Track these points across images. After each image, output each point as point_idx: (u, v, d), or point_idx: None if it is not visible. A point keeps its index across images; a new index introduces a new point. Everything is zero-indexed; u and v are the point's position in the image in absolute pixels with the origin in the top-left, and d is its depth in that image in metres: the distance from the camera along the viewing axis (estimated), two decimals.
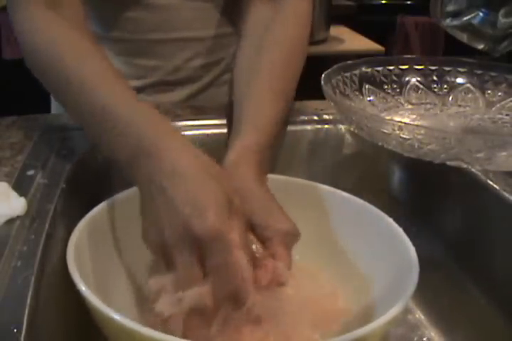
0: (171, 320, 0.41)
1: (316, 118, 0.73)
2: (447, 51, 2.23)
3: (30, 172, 0.57)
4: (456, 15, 0.64)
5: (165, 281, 0.42)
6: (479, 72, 0.67)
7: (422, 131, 0.51)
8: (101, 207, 0.52)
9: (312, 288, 0.57)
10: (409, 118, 0.66)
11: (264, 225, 0.46)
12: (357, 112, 0.57)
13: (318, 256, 0.58)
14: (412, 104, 0.68)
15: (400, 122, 0.52)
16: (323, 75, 0.61)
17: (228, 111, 0.68)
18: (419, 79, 0.68)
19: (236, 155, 0.53)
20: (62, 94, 0.56)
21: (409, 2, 2.46)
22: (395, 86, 0.68)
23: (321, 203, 0.57)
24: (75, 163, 0.60)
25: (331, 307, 0.54)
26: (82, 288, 0.41)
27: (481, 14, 0.63)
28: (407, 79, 0.68)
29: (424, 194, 0.68)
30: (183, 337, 0.41)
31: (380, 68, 0.67)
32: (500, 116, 0.66)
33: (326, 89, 0.59)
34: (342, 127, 0.73)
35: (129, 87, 0.53)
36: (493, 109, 0.66)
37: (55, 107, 0.86)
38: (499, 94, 0.66)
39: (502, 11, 0.61)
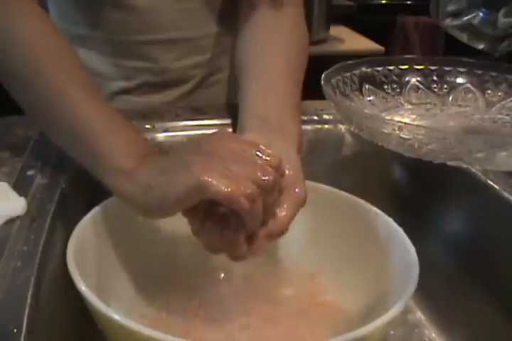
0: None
1: (316, 118, 0.73)
2: (447, 51, 2.22)
3: (30, 172, 0.57)
4: (456, 15, 0.64)
5: None
6: (479, 72, 0.67)
7: (422, 131, 0.51)
8: (101, 207, 0.52)
9: (311, 288, 0.57)
10: (409, 118, 0.66)
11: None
12: (357, 112, 0.57)
13: (317, 256, 0.58)
14: (412, 104, 0.68)
15: (400, 122, 0.52)
16: (323, 75, 0.61)
17: (229, 111, 0.68)
18: (419, 79, 0.68)
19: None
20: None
21: (409, 2, 2.46)
22: (395, 86, 0.67)
23: (321, 203, 0.57)
24: (75, 163, 0.60)
25: (331, 308, 0.54)
26: (82, 287, 0.41)
27: (481, 14, 0.63)
28: (407, 79, 0.68)
29: (424, 194, 0.68)
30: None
31: (380, 68, 0.67)
32: (500, 116, 0.66)
33: (326, 89, 0.59)
34: (342, 127, 0.73)
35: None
36: (493, 109, 0.66)
37: None
38: (499, 94, 0.66)
39: (502, 11, 0.61)
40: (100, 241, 0.51)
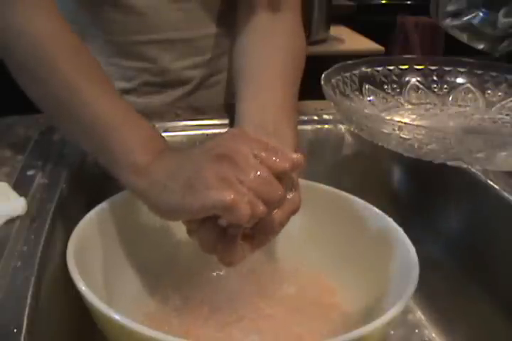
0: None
1: (316, 118, 0.73)
2: (447, 51, 2.22)
3: (30, 172, 0.57)
4: (456, 15, 0.64)
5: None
6: (479, 72, 0.67)
7: (422, 131, 0.51)
8: (101, 207, 0.52)
9: (312, 288, 0.57)
10: (409, 118, 0.66)
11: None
12: (357, 112, 0.57)
13: (317, 256, 0.58)
14: (412, 104, 0.68)
15: (400, 122, 0.52)
16: (323, 75, 0.61)
17: (229, 111, 0.68)
18: (419, 79, 0.68)
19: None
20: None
21: (409, 2, 2.45)
22: (395, 86, 0.67)
23: (321, 203, 0.57)
24: (75, 163, 0.60)
25: (331, 308, 0.54)
26: (82, 287, 0.41)
27: (481, 14, 0.63)
28: (407, 79, 0.68)
29: (424, 194, 0.68)
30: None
31: (380, 68, 0.67)
32: (500, 116, 0.66)
33: (326, 89, 0.59)
34: (342, 127, 0.73)
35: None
36: (493, 109, 0.66)
37: None
38: (499, 94, 0.66)
39: (502, 11, 0.61)
40: (100, 241, 0.51)
